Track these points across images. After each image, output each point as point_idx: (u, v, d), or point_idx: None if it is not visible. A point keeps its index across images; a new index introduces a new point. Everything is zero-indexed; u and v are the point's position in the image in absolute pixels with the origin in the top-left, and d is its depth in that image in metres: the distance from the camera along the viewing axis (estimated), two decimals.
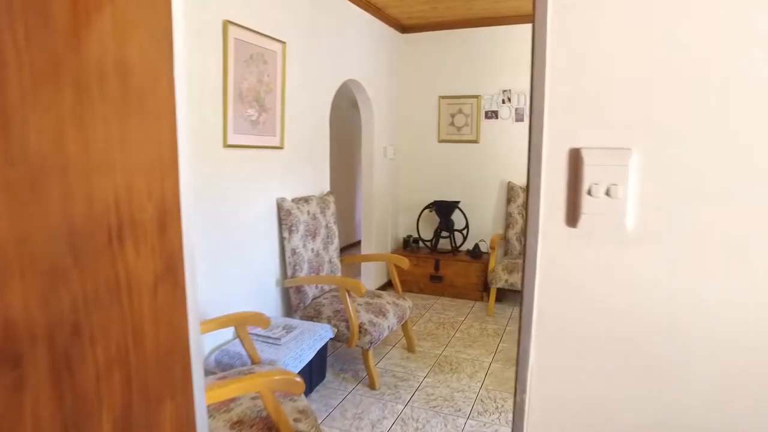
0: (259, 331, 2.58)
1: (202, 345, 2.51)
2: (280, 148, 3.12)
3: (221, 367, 2.47)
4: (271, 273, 3.11)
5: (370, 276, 4.74)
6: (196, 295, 0.73)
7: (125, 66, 0.58)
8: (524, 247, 0.84)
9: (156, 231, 0.64)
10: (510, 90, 4.62)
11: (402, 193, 5.17)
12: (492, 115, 4.71)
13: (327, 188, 3.78)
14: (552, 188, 0.80)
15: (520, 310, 0.85)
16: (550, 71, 0.77)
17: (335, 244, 3.53)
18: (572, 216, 0.79)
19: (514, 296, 4.75)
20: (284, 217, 3.07)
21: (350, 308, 2.82)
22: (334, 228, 3.53)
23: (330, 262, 3.44)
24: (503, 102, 4.65)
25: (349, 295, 2.85)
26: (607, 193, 0.76)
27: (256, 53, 2.79)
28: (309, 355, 2.65)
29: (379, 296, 3.29)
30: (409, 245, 5.00)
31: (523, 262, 0.84)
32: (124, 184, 0.59)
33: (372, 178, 4.55)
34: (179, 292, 0.69)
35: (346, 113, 6.32)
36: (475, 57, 4.72)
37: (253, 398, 1.89)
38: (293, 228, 3.08)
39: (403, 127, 5.04)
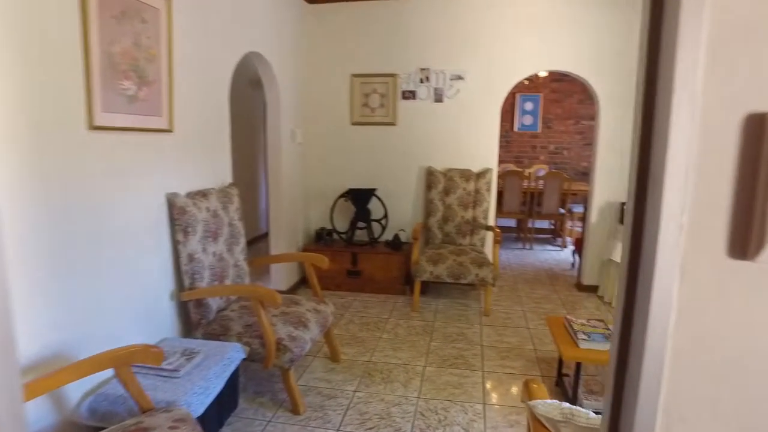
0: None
1: (22, 416, 1.90)
2: (169, 131, 2.52)
3: (98, 418, 1.89)
4: (163, 286, 2.53)
5: (281, 275, 4.25)
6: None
7: None
8: (628, 294, 0.47)
9: None
10: (428, 68, 4.32)
11: (313, 182, 4.70)
12: (409, 95, 4.39)
13: (229, 179, 3.22)
14: (704, 192, 0.44)
15: (610, 419, 0.49)
16: None
17: (241, 244, 3.01)
18: (747, 241, 0.43)
19: (438, 288, 4.52)
20: (177, 216, 2.49)
21: (265, 322, 2.35)
22: (239, 226, 3.00)
23: (236, 266, 2.92)
24: (421, 81, 4.35)
25: (263, 306, 2.37)
26: None
27: (130, 8, 2.17)
28: (218, 386, 2.15)
29: (297, 303, 2.84)
30: (322, 238, 4.56)
31: (625, 325, 0.47)
32: None
33: (279, 165, 4.04)
34: None
35: (246, 93, 5.67)
36: (390, 32, 4.35)
37: None
38: (189, 229, 2.52)
39: (312, 108, 4.56)
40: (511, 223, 7.15)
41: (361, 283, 4.41)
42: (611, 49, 4.11)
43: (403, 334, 3.55)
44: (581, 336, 2.46)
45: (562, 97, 7.83)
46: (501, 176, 6.09)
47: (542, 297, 4.40)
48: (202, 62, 2.83)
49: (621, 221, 4.18)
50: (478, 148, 4.42)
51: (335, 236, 4.61)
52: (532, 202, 6.35)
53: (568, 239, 6.55)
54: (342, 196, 4.44)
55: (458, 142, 4.43)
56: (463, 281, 3.88)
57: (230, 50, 3.17)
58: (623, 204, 4.23)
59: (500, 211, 6.09)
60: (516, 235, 6.97)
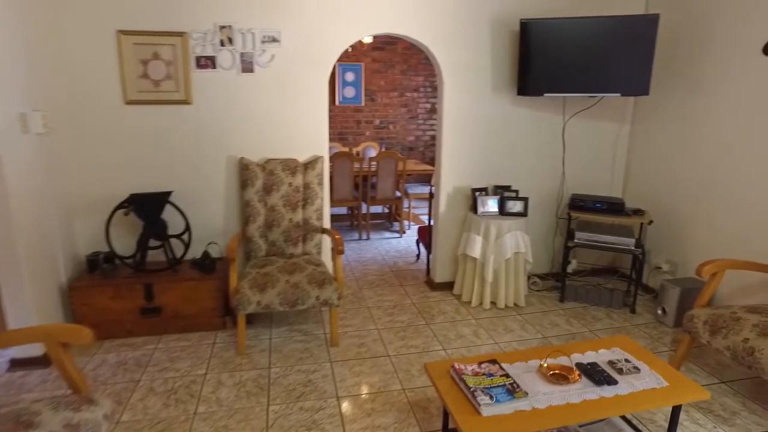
0: None
1: None
2: None
3: None
4: None
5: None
6: None
7: None
8: None
9: None
10: (230, 26, 3.20)
11: (74, 189, 3.27)
12: (207, 62, 3.22)
13: None
14: None
15: None
16: None
17: None
18: None
19: (269, 315, 3.56)
20: None
21: None
22: None
23: None
24: (222, 44, 3.21)
25: None
26: None
27: None
28: None
29: (28, 423, 1.64)
30: (98, 267, 3.21)
31: None
32: None
33: (2, 168, 2.58)
34: None
35: None
36: None
37: None
38: None
39: (60, 81, 3.09)
40: (343, 210, 6.44)
41: (162, 324, 3.22)
42: (454, 15, 3.51)
43: (229, 398, 2.54)
44: (481, 398, 1.79)
45: (384, 67, 7.28)
46: (329, 159, 5.28)
47: (394, 305, 3.76)
48: None
49: (474, 210, 3.70)
50: (304, 131, 3.50)
51: (118, 262, 3.29)
52: (365, 186, 5.70)
53: (407, 223, 6.09)
54: (121, 206, 3.14)
55: (278, 124, 3.44)
56: (301, 307, 2.99)
57: None
58: (476, 191, 3.75)
59: (331, 199, 5.30)
60: (349, 223, 6.28)
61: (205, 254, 3.32)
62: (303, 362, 2.92)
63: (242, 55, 3.25)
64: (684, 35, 3.53)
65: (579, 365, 2.12)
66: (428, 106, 7.58)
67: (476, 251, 3.57)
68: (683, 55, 3.55)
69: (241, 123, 3.37)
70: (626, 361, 2.19)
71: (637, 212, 3.73)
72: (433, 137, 7.76)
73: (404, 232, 5.78)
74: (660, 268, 3.84)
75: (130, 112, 3.20)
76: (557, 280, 4.22)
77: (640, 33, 3.32)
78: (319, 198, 3.49)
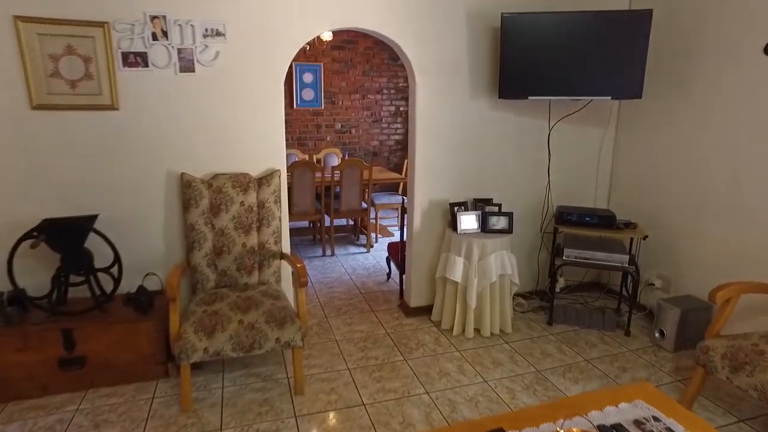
0: None
1: None
2: None
3: None
4: None
5: None
6: None
7: None
8: None
9: None
10: (164, 16, 2.67)
11: None
12: (137, 60, 2.68)
13: None
14: None
15: None
16: None
17: None
18: None
19: (220, 361, 3.03)
20: None
21: None
22: None
23: None
24: (155, 38, 2.67)
25: None
26: None
27: None
28: None
29: None
30: (0, 311, 2.61)
31: None
32: None
33: None
34: None
35: None
36: None
37: None
38: None
39: None
40: (304, 223, 5.93)
41: (87, 376, 2.65)
42: (428, 7, 3.09)
43: None
44: None
45: (345, 67, 6.81)
46: (287, 169, 4.77)
47: (366, 336, 3.30)
48: None
49: (454, 227, 3.29)
50: (257, 140, 3.00)
51: (28, 304, 2.70)
52: (327, 197, 5.22)
53: (374, 236, 5.65)
54: (30, 234, 2.55)
55: (226, 133, 2.93)
56: (258, 351, 2.50)
57: None
58: (454, 206, 3.35)
59: (290, 213, 4.79)
60: (312, 237, 5.78)
61: (141, 289, 2.78)
62: (262, 418, 2.42)
63: (180, 51, 2.71)
64: (675, 32, 3.24)
65: (602, 429, 1.74)
66: (392, 108, 7.17)
67: (457, 275, 3.16)
68: (675, 54, 3.26)
69: (181, 132, 2.84)
70: (655, 419, 1.82)
71: (629, 225, 3.42)
72: (399, 142, 7.35)
73: (372, 246, 5.33)
74: (653, 284, 3.55)
75: (40, 118, 2.62)
76: (542, 299, 3.88)
77: (632, 30, 3.00)
78: (277, 218, 2.99)
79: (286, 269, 3.17)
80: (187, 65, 2.74)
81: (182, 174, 2.83)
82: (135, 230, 2.89)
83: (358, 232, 5.81)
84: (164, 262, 2.98)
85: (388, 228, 6.06)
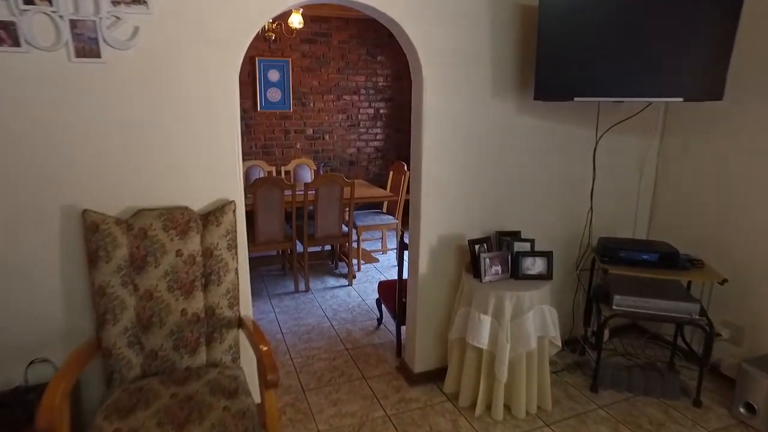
0: None
1: None
2: None
3: None
4: None
5: None
6: None
7: None
8: None
9: None
10: None
11: None
12: (6, 40, 1.73)
13: None
14: None
15: None
16: None
17: None
18: None
19: None
20: None
21: None
22: None
23: None
24: (30, 1, 1.73)
25: None
26: None
27: None
28: None
29: None
30: None
31: None
32: None
33: None
34: None
35: None
36: None
37: None
38: None
39: None
40: (271, 251, 4.98)
41: None
42: None
43: None
44: None
45: (317, 64, 5.90)
46: (248, 188, 3.84)
47: (360, 424, 2.42)
48: None
49: (476, 273, 2.44)
50: (200, 159, 2.08)
51: None
52: (300, 219, 4.31)
53: (356, 262, 4.75)
54: None
55: (150, 150, 2.00)
56: None
57: None
58: (474, 243, 2.50)
59: (253, 241, 3.86)
60: (281, 266, 4.83)
61: (19, 390, 1.83)
62: None
63: (74, 24, 1.77)
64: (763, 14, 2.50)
65: None
66: (371, 111, 6.30)
67: (483, 340, 2.32)
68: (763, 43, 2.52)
69: (82, 149, 1.90)
70: None
71: (695, 263, 2.66)
72: (378, 149, 6.49)
73: (354, 277, 4.43)
74: (719, 334, 2.80)
75: None
76: (574, 351, 3.09)
77: (716, 7, 2.22)
78: (232, 271, 2.08)
79: (246, 342, 2.25)
80: (87, 47, 1.80)
81: (85, 212, 1.88)
82: (15, 294, 1.93)
83: (336, 258, 4.90)
84: (64, 339, 2.02)
85: (372, 254, 5.17)
